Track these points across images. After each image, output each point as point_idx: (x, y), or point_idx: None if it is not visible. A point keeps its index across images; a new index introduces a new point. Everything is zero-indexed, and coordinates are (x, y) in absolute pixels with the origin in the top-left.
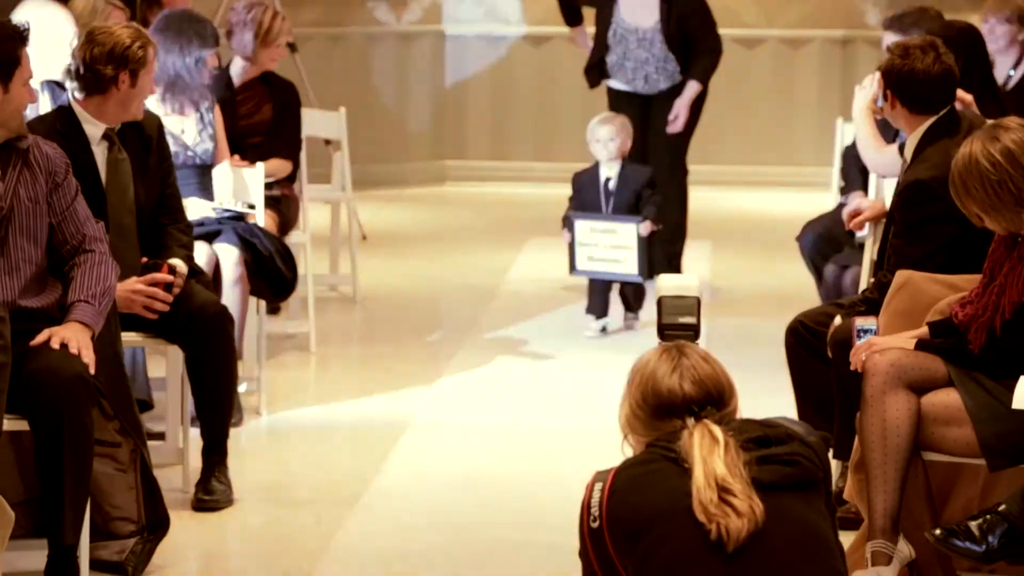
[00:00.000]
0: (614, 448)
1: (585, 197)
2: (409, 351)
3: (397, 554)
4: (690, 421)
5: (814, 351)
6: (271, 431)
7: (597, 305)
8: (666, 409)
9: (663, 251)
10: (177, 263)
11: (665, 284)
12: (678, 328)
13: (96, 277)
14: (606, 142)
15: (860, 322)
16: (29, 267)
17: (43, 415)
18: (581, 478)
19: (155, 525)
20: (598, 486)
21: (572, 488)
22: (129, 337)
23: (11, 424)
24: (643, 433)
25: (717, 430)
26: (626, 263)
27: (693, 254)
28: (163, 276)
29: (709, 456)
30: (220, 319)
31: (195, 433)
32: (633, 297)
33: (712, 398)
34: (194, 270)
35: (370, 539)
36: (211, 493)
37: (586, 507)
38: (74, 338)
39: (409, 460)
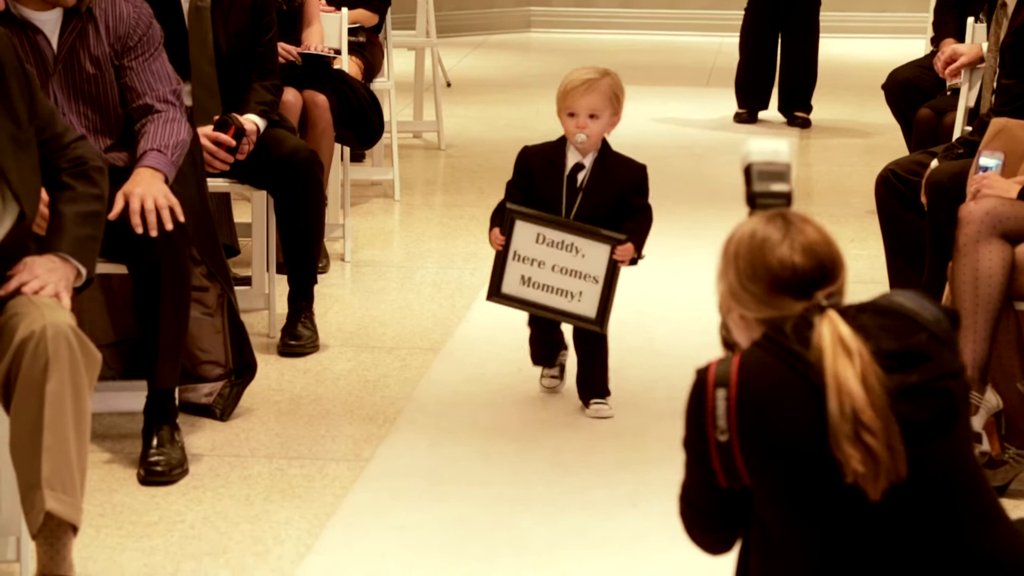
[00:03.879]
0: (697, 294)
1: (538, 186)
2: (493, 199)
3: (482, 400)
4: (810, 310)
5: (905, 200)
6: (356, 278)
7: (543, 352)
8: (779, 283)
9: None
10: (252, 120)
11: (755, 149)
12: (771, 196)
13: (169, 132)
14: (583, 117)
15: (984, 156)
16: (97, 133)
17: (142, 261)
18: (669, 320)
19: (242, 369)
20: (720, 393)
21: (656, 333)
22: (215, 183)
23: (108, 268)
24: (755, 309)
25: (847, 333)
26: (583, 299)
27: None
28: (226, 139)
29: (843, 373)
30: (310, 165)
31: (281, 279)
32: (588, 352)
33: (825, 269)
34: (274, 121)
35: (454, 385)
36: (297, 338)
37: (710, 415)
38: (149, 195)
39: (494, 307)
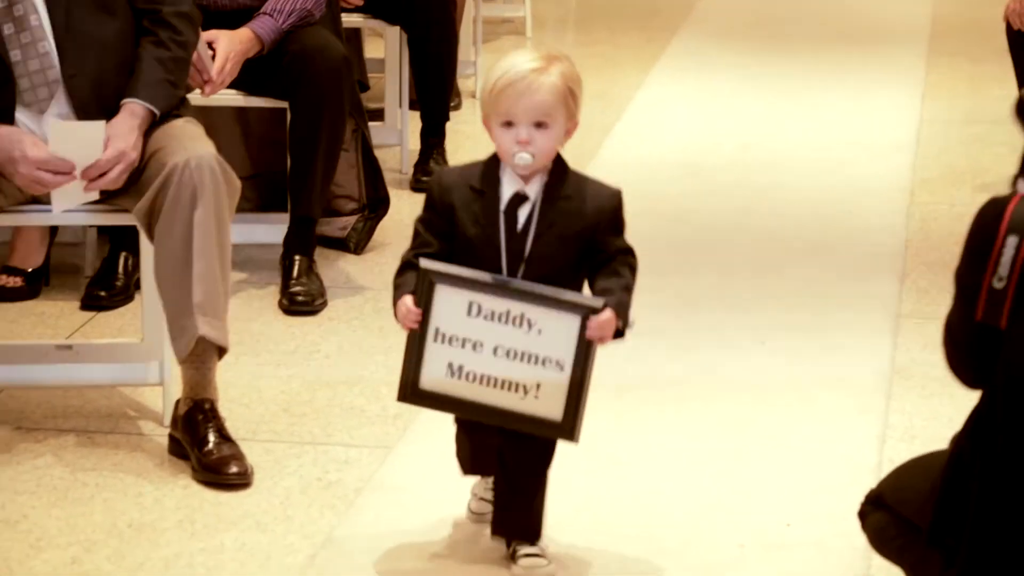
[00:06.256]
0: (833, 133)
1: (463, 229)
2: (625, 38)
3: None
4: None
5: None
6: None
7: (477, 455)
8: None
9: None
10: None
11: None
12: None
13: None
14: (525, 127)
15: None
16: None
17: (304, 94)
18: (799, 160)
19: (376, 204)
20: (1011, 241)
21: (789, 175)
22: (348, 18)
23: (266, 102)
24: None
25: None
26: (541, 394)
27: None
28: None
29: None
30: (444, 1)
31: (414, 115)
32: (525, 468)
33: None
34: None
35: None
36: (429, 174)
37: (993, 259)
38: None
39: (626, 146)
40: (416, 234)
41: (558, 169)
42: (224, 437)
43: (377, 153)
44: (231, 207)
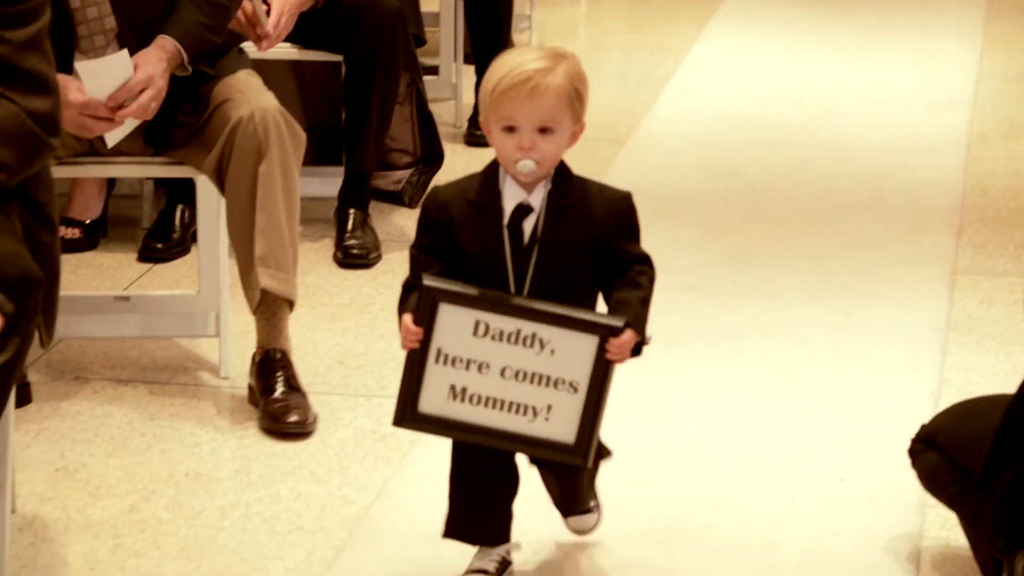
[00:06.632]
0: (890, 88)
1: (464, 247)
2: None
3: (667, 192)
4: None
5: None
6: None
7: (480, 515)
8: None
9: None
10: None
11: None
12: None
13: None
14: (529, 133)
15: None
16: None
17: (359, 47)
18: (856, 115)
19: (430, 157)
20: None
21: (845, 130)
22: None
23: (320, 56)
24: None
25: None
26: (552, 416)
27: None
28: None
29: None
30: None
31: (468, 69)
32: (565, 489)
33: None
34: None
35: (640, 176)
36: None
37: None
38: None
39: (682, 99)
40: (413, 259)
41: (562, 175)
42: (292, 387)
43: (432, 107)
44: (297, 159)
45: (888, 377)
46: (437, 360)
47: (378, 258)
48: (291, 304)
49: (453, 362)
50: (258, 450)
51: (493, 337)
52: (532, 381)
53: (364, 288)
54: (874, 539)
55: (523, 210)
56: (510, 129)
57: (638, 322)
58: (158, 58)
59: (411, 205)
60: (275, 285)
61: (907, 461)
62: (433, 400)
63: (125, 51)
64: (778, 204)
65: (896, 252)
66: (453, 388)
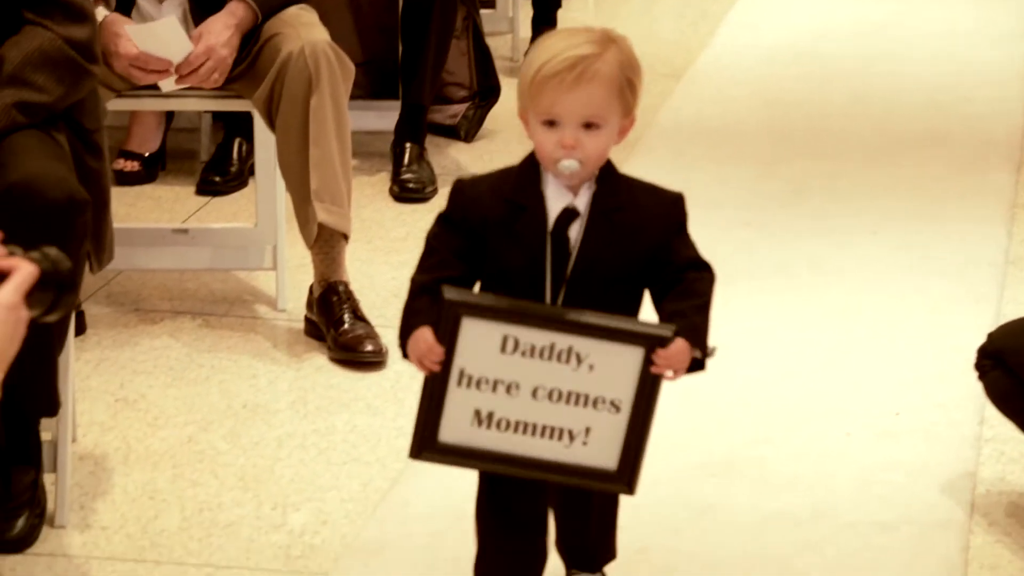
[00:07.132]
0: (950, 21)
1: (498, 252)
2: None
3: (723, 127)
4: None
5: None
6: (599, 3)
7: (512, 563)
8: None
9: None
10: None
11: None
12: None
13: None
14: (572, 128)
15: None
16: None
17: None
18: (916, 48)
19: (487, 91)
20: None
21: (905, 63)
22: None
23: None
24: None
25: None
26: (591, 440)
27: None
28: None
29: None
30: None
31: (526, 2)
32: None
33: None
34: None
35: (696, 111)
36: None
37: None
38: None
39: (738, 34)
40: (430, 251)
41: (607, 174)
42: (359, 317)
43: (488, 40)
44: (346, 89)
45: (945, 312)
46: (460, 383)
47: (434, 192)
48: (346, 238)
49: (478, 384)
50: (314, 381)
51: (523, 353)
52: (568, 401)
53: (420, 222)
54: (928, 473)
55: (570, 214)
56: (551, 123)
57: (692, 332)
58: (224, 25)
59: (467, 139)
60: (331, 219)
61: (965, 395)
62: (455, 428)
63: (174, 17)
64: (835, 139)
65: (955, 186)
66: (478, 413)
